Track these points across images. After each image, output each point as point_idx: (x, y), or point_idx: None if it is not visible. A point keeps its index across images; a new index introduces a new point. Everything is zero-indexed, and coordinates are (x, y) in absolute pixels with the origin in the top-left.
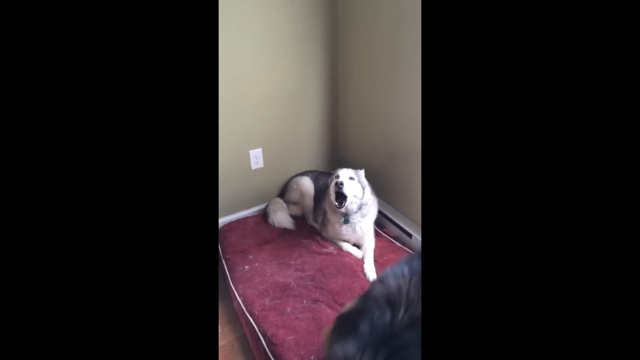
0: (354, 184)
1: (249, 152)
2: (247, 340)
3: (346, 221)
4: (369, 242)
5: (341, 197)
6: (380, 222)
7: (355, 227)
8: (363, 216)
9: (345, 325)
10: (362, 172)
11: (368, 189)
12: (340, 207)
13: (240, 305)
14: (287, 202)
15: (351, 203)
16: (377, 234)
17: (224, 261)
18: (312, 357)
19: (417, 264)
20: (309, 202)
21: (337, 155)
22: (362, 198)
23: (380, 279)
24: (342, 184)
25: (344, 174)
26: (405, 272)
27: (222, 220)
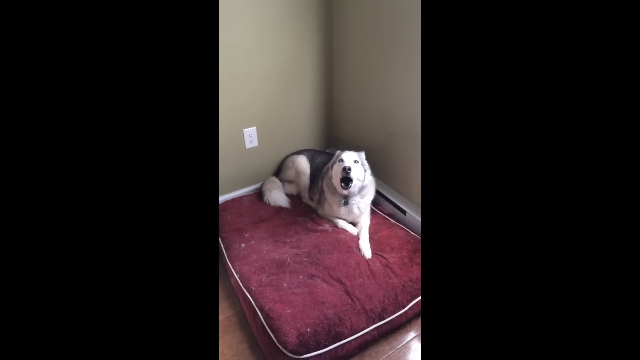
0: (358, 167)
1: (243, 131)
2: (244, 315)
3: (346, 203)
4: (365, 220)
5: (348, 181)
6: (376, 200)
7: (352, 208)
8: (362, 197)
9: None
10: (363, 154)
11: (369, 170)
12: (347, 188)
13: (238, 282)
14: (282, 180)
15: (354, 186)
16: (372, 211)
17: (220, 240)
18: (308, 330)
19: None
20: (305, 180)
21: (333, 133)
22: (363, 180)
23: None
24: (349, 169)
25: (349, 157)
26: None
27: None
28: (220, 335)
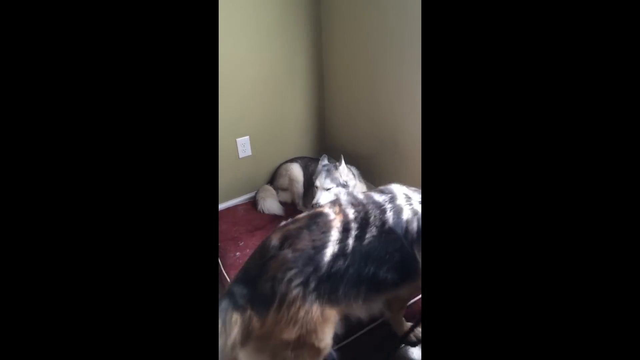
0: (333, 192)
1: (236, 141)
2: None
3: None
4: None
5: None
6: None
7: None
8: None
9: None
10: (342, 168)
11: (353, 181)
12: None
13: None
14: (276, 188)
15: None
16: None
17: None
18: None
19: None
20: (298, 187)
21: (326, 141)
22: (345, 194)
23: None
24: (318, 204)
25: (321, 192)
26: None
27: None
28: None
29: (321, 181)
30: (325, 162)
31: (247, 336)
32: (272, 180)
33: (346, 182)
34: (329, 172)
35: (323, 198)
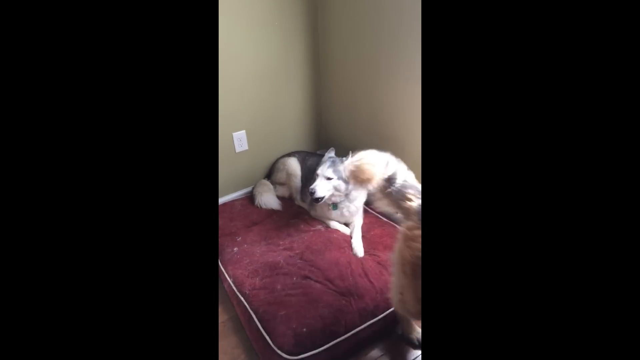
0: (333, 183)
1: (232, 135)
2: (238, 320)
3: (335, 207)
4: (358, 220)
5: (317, 200)
6: (367, 199)
7: (343, 211)
8: (351, 201)
9: None
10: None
11: None
12: (319, 202)
13: (231, 286)
14: (274, 183)
15: (332, 196)
16: (364, 211)
17: None
18: (304, 330)
19: None
20: (296, 182)
21: (323, 135)
22: (345, 189)
23: None
24: (318, 197)
25: (321, 180)
26: None
27: None
28: None
29: (323, 169)
30: (332, 154)
31: (405, 214)
32: (270, 174)
33: (348, 177)
34: (333, 163)
35: (321, 186)
